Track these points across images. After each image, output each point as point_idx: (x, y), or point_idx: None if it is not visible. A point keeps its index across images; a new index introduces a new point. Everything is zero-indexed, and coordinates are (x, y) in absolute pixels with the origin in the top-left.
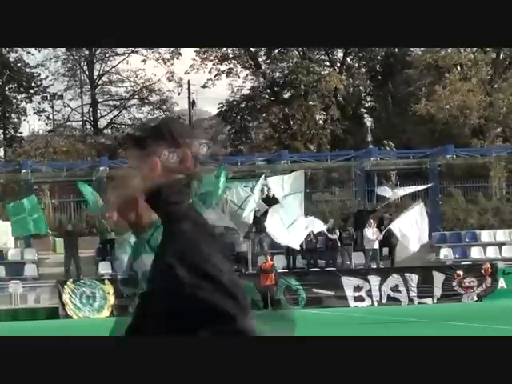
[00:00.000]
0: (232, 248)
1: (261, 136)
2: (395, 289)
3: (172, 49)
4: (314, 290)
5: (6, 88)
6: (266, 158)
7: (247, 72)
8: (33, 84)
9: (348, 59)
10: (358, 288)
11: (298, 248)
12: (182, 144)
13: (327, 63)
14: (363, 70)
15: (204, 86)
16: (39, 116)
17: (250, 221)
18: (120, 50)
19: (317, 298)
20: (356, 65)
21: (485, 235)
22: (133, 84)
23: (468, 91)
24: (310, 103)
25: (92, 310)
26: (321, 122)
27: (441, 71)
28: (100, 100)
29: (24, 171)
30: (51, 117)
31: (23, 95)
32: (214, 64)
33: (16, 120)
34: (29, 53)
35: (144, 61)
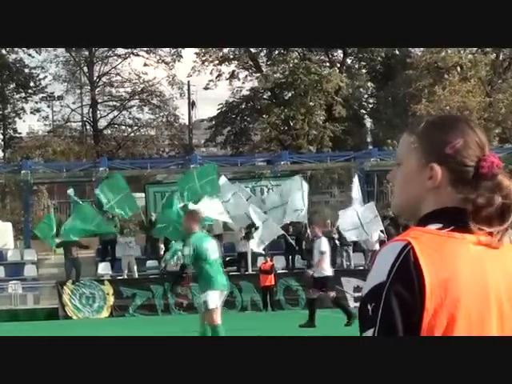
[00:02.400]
0: (232, 248)
1: (261, 137)
2: None
3: (173, 51)
4: None
5: (5, 88)
6: (266, 158)
7: (247, 73)
8: (31, 84)
9: (348, 60)
10: (357, 288)
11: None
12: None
13: (327, 64)
14: (363, 70)
15: (206, 88)
16: (34, 115)
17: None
18: (120, 51)
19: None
20: (356, 66)
21: None
22: (133, 85)
23: (468, 92)
24: (311, 103)
25: (91, 311)
26: (320, 122)
27: (441, 72)
28: (100, 101)
29: (23, 172)
30: (50, 117)
31: (22, 94)
32: (214, 65)
33: (14, 120)
34: (29, 55)
35: (146, 65)
